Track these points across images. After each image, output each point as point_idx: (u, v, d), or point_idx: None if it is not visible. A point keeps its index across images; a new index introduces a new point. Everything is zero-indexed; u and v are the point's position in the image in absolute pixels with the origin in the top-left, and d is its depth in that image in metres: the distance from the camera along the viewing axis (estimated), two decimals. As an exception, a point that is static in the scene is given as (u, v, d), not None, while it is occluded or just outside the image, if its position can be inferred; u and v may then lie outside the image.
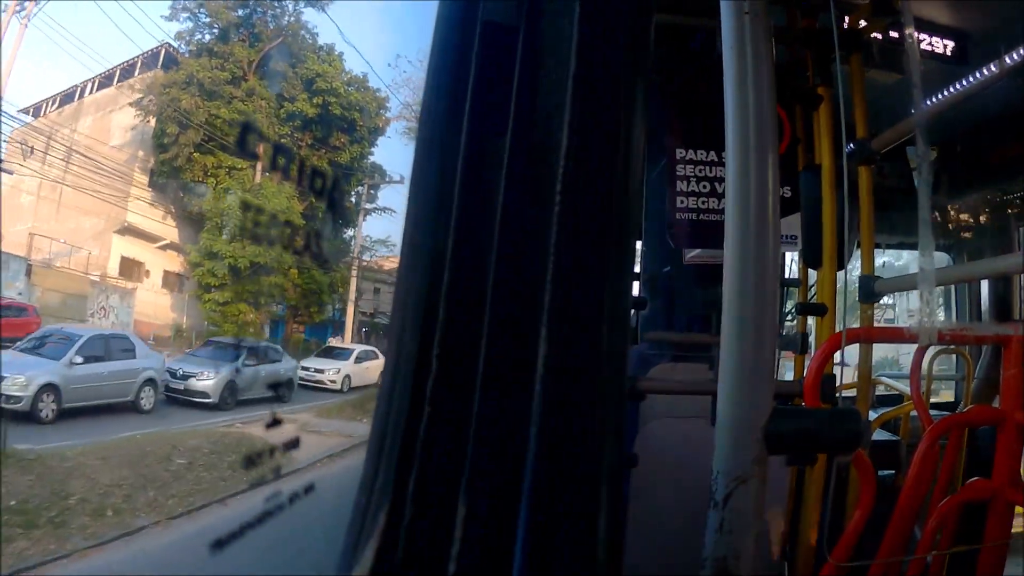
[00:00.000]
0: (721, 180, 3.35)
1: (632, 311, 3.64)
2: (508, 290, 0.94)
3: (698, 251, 3.94)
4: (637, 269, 4.14)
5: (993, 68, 3.80)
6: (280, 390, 18.13)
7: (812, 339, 3.81)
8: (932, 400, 5.09)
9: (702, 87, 3.42)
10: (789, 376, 3.77)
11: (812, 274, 3.90)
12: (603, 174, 0.98)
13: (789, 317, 4.71)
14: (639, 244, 4.26)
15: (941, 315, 6.33)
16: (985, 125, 4.79)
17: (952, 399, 6.20)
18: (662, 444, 3.06)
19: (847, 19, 3.49)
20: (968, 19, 4.06)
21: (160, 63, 29.22)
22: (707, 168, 3.44)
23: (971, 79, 3.90)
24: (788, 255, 4.21)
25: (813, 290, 3.88)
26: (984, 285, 6.05)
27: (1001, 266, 4.09)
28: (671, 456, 3.00)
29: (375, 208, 34.76)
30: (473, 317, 0.93)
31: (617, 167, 0.99)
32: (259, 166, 28.35)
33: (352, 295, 32.30)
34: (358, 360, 24.32)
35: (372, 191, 35.02)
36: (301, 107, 30.33)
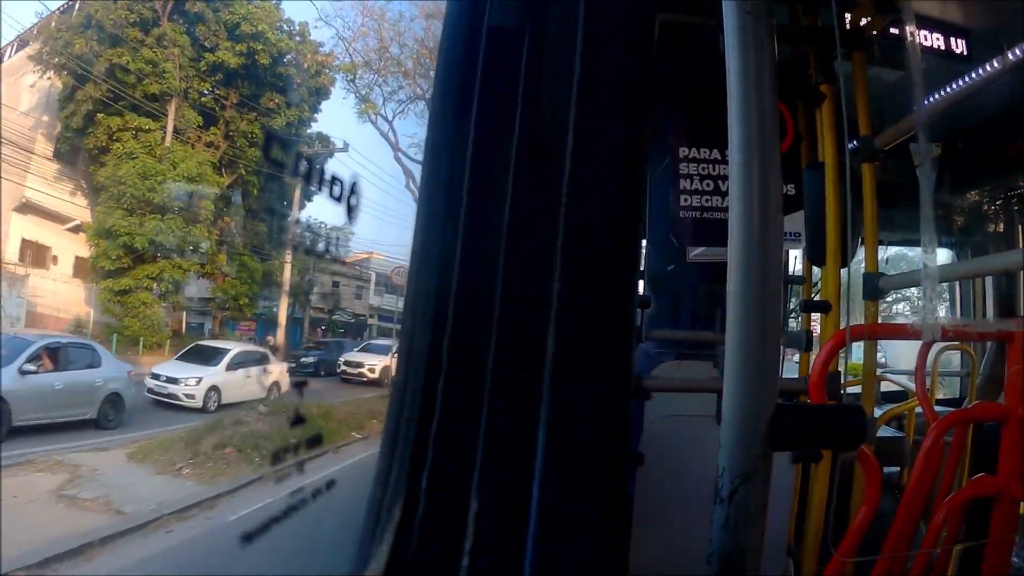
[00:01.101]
0: (724, 178, 3.35)
1: (637, 310, 3.65)
2: (516, 290, 0.95)
3: (702, 249, 3.95)
4: (641, 267, 4.14)
5: (996, 64, 3.80)
6: (98, 408, 14.11)
7: (816, 336, 3.82)
8: (937, 396, 5.09)
9: (705, 85, 3.42)
10: (794, 374, 3.78)
11: (816, 271, 3.90)
12: (609, 175, 0.99)
13: (793, 314, 4.71)
14: (644, 243, 4.26)
15: (944, 311, 6.33)
16: (989, 121, 4.78)
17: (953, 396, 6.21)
18: (668, 442, 3.06)
19: (849, 16, 3.49)
20: (970, 15, 4.06)
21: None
22: (710, 166, 3.43)
23: (974, 75, 3.90)
24: (792, 252, 4.21)
25: (818, 287, 3.88)
26: (988, 281, 6.05)
27: (1005, 262, 4.09)
28: (677, 454, 3.01)
29: (311, 186, 31.63)
30: (482, 316, 0.95)
31: (622, 168, 1.01)
32: (169, 127, 25.23)
33: (286, 286, 28.90)
34: (233, 366, 18.98)
35: (316, 165, 32.02)
36: (223, 57, 26.24)
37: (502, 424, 0.94)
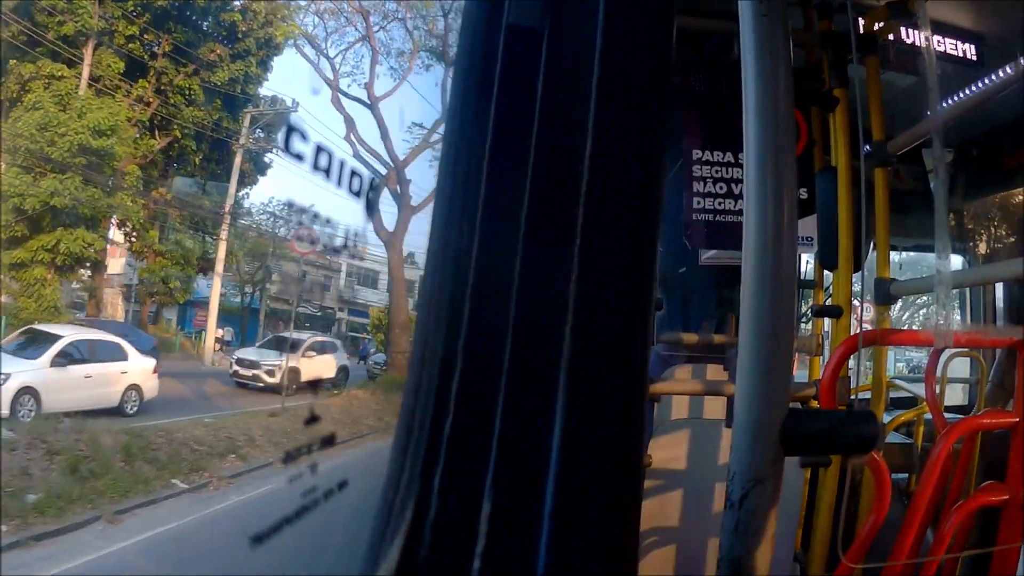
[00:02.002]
0: (737, 181, 3.34)
1: (650, 312, 3.66)
2: (532, 291, 0.95)
3: (714, 252, 3.94)
4: (656, 270, 4.14)
5: (1009, 70, 3.79)
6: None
7: (828, 341, 3.81)
8: (946, 403, 5.07)
9: (718, 89, 3.42)
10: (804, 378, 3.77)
11: (828, 276, 3.90)
12: (626, 177, 0.99)
13: (805, 319, 4.70)
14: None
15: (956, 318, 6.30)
16: (1003, 127, 4.76)
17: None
18: (678, 446, 3.07)
19: (863, 21, 3.48)
20: (985, 22, 4.05)
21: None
22: (724, 169, 3.43)
23: (988, 81, 3.88)
24: (804, 257, 4.21)
25: (830, 291, 3.87)
26: (999, 288, 6.02)
27: (1017, 269, 4.07)
28: (686, 458, 3.01)
29: (263, 150, 26.98)
30: (498, 317, 0.95)
31: (640, 170, 1.01)
32: (84, 73, 21.63)
33: (219, 266, 25.29)
34: (60, 361, 14.25)
35: (262, 130, 26.75)
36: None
37: (516, 426, 0.94)
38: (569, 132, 0.98)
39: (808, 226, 3.52)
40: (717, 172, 3.43)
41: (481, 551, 0.89)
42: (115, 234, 23.70)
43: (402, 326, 23.84)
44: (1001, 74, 3.90)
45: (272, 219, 29.61)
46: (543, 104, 1.00)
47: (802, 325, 4.79)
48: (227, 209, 25.23)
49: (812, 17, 3.67)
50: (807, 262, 4.41)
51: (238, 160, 24.54)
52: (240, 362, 21.47)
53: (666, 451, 3.02)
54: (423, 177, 26.88)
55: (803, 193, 3.47)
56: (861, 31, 3.46)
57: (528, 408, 0.94)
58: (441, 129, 23.03)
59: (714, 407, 3.25)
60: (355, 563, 1.00)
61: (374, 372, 25.58)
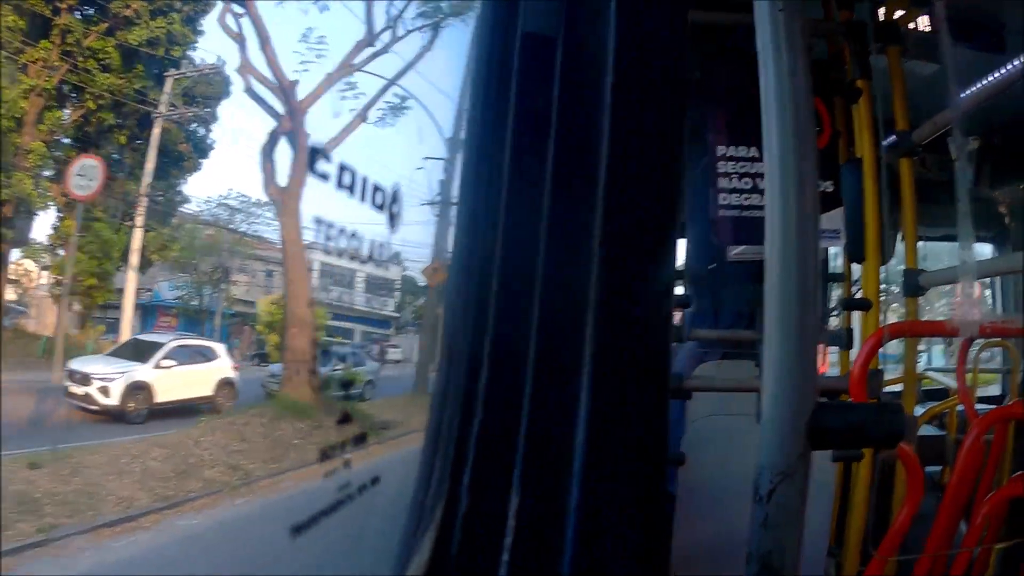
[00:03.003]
0: (763, 176, 3.33)
1: (678, 311, 3.66)
2: (555, 292, 0.97)
3: (742, 248, 3.93)
4: (681, 268, 4.13)
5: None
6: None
7: (857, 334, 3.78)
8: (979, 393, 5.00)
9: (743, 83, 3.41)
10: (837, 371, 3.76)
11: (856, 268, 3.87)
12: (644, 178, 1.01)
13: (835, 312, 4.67)
14: (684, 242, 4.24)
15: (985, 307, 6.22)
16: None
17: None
18: (710, 442, 3.06)
19: (883, 10, 3.46)
20: (1006, 7, 4.00)
21: None
22: (749, 164, 3.41)
23: (1010, 67, 3.84)
24: (832, 250, 4.18)
25: (858, 284, 3.85)
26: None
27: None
28: (719, 454, 3.01)
29: (187, 120, 21.68)
30: (522, 319, 0.97)
31: (657, 170, 1.02)
32: None
33: (133, 258, 20.47)
34: None
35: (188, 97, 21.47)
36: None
37: (542, 424, 0.96)
38: (586, 136, 1.00)
39: (835, 219, 3.50)
40: (743, 167, 3.41)
41: (509, 545, 0.91)
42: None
43: (302, 323, 16.19)
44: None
45: (229, 212, 24.55)
46: (560, 109, 1.02)
47: (831, 319, 4.75)
48: (142, 191, 20.78)
49: (832, 7, 3.64)
50: (836, 255, 4.38)
51: (156, 132, 20.47)
52: (72, 375, 14.78)
53: (699, 448, 3.03)
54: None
55: (828, 186, 3.44)
56: (881, 20, 3.43)
57: (553, 407, 0.96)
58: (367, 53, 17.94)
59: (747, 404, 3.24)
60: (390, 555, 1.02)
61: (270, 388, 17.32)
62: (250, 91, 18.14)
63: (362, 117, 17.71)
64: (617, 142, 0.99)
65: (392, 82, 18.61)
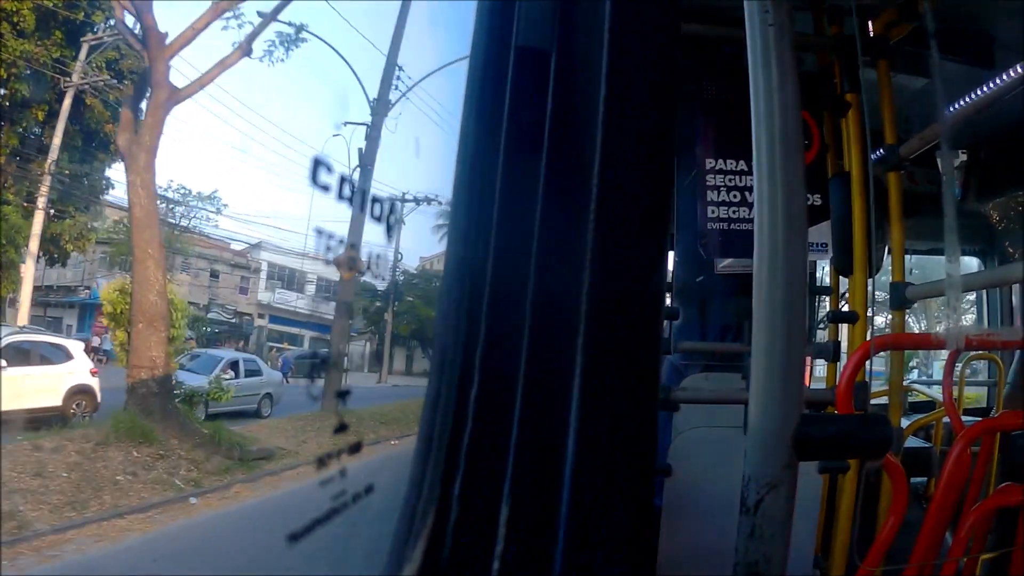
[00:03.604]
0: (751, 189, 3.35)
1: (665, 322, 3.67)
2: (546, 303, 0.99)
3: (730, 260, 3.94)
4: (670, 280, 4.15)
5: (1020, 70, 3.79)
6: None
7: (844, 347, 3.80)
8: (964, 406, 5.04)
9: (731, 97, 3.43)
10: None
11: (844, 282, 3.89)
12: (635, 190, 1.02)
13: (821, 325, 4.70)
14: (672, 255, 4.26)
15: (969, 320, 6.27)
16: (1016, 127, 4.74)
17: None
18: (697, 453, 3.08)
19: (872, 24, 3.49)
20: (994, 21, 4.04)
21: None
22: (737, 177, 3.43)
23: (999, 81, 3.87)
24: (820, 263, 4.21)
25: (846, 297, 3.87)
26: (1016, 290, 5.98)
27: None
28: (705, 465, 3.02)
29: (101, 87, 18.31)
30: (513, 329, 0.98)
31: (648, 182, 1.04)
32: None
33: (33, 244, 17.92)
34: None
35: (113, 71, 18.45)
36: None
37: (532, 434, 0.97)
38: (579, 148, 1.01)
39: (824, 232, 3.52)
40: (731, 180, 3.44)
41: (500, 553, 0.93)
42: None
43: (151, 317, 12.67)
44: (1013, 73, 3.89)
45: (167, 205, 21.42)
46: (553, 122, 1.04)
47: (818, 331, 4.78)
48: (47, 168, 18.10)
49: (822, 21, 3.68)
50: (823, 268, 4.41)
51: (67, 103, 17.95)
52: None
53: (685, 460, 3.04)
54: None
55: (816, 199, 3.47)
56: (870, 35, 3.46)
57: (543, 416, 0.97)
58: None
59: (734, 415, 3.25)
60: (379, 564, 1.03)
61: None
62: (121, 23, 16.08)
63: (243, 49, 14.59)
64: (609, 154, 1.00)
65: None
